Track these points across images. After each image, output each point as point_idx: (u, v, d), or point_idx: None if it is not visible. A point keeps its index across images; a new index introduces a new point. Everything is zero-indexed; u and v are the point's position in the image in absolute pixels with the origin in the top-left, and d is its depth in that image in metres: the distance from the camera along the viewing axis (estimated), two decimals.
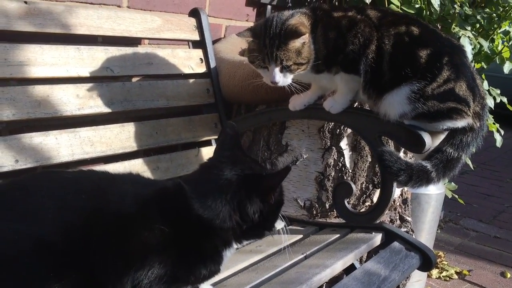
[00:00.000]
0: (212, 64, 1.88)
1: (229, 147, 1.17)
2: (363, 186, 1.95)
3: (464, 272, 2.72)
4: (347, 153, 1.89)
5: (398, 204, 2.06)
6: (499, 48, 2.33)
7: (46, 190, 0.99)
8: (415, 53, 1.40)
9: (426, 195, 2.41)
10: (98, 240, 0.96)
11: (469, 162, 2.14)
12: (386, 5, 2.21)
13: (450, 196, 2.65)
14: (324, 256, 1.42)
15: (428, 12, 2.19)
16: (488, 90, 2.29)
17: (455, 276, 2.69)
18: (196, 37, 1.86)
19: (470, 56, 2.08)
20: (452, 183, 2.58)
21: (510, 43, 2.30)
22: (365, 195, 1.96)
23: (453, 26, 2.19)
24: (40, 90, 1.37)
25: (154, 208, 1.03)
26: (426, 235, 2.54)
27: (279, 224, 1.21)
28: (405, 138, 1.48)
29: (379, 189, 1.76)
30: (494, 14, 2.25)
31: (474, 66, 2.30)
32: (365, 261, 1.80)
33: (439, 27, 2.25)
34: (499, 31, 2.30)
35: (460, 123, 1.43)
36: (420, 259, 1.53)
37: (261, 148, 1.94)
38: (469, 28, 2.23)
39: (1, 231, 0.92)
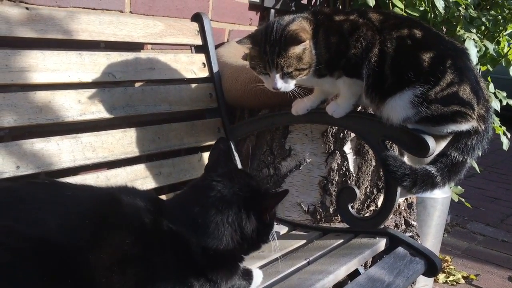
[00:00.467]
0: (215, 68, 1.87)
1: (223, 164, 1.16)
2: (367, 190, 1.93)
3: (471, 277, 2.69)
4: (350, 157, 1.87)
5: (403, 208, 2.04)
6: (505, 50, 2.31)
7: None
8: (418, 56, 1.39)
9: (432, 199, 2.39)
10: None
11: (476, 165, 2.11)
12: (390, 8, 2.20)
13: (456, 200, 2.63)
14: (328, 261, 1.41)
15: (432, 15, 2.17)
16: (494, 93, 2.27)
17: (462, 281, 2.66)
18: (198, 41, 1.86)
19: (475, 58, 2.06)
20: (459, 186, 2.56)
21: None
22: (369, 200, 1.95)
23: (458, 28, 2.17)
24: (42, 96, 1.37)
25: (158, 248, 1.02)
26: (432, 240, 2.52)
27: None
28: (408, 142, 1.47)
29: (383, 193, 1.74)
30: (500, 16, 2.23)
31: (479, 68, 2.29)
32: (370, 266, 1.78)
33: (444, 30, 2.23)
34: (504, 33, 2.28)
35: (464, 126, 1.41)
36: (425, 264, 1.51)
37: (264, 153, 1.93)
38: (474, 30, 2.21)
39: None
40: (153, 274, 0.99)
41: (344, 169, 1.87)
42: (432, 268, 1.51)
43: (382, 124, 1.48)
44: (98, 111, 1.49)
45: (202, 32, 1.86)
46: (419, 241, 2.02)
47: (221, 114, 1.86)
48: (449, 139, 1.46)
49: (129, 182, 1.53)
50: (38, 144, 1.34)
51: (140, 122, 1.66)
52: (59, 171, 1.38)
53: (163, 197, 1.62)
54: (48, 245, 0.92)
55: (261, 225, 1.13)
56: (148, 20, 1.72)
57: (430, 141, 1.43)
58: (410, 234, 2.02)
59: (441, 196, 2.41)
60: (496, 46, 2.25)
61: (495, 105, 2.14)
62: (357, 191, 1.61)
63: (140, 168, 1.58)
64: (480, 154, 1.47)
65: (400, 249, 1.53)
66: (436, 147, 1.44)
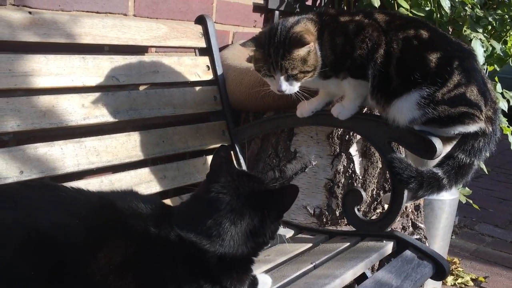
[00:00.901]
0: (219, 71, 1.86)
1: (225, 172, 1.15)
2: (374, 192, 1.92)
3: (480, 279, 2.66)
4: (357, 159, 1.86)
5: (410, 210, 2.02)
6: None
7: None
8: (424, 57, 1.37)
9: (439, 201, 2.36)
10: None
11: (483, 166, 2.09)
12: (396, 8, 2.18)
13: (464, 201, 2.60)
14: (334, 265, 1.39)
15: (438, 15, 2.15)
16: (502, 93, 2.24)
17: (471, 283, 2.63)
18: (202, 44, 1.85)
19: (482, 58, 2.04)
20: (466, 188, 2.53)
21: None
22: (376, 202, 1.93)
23: (464, 28, 2.15)
24: (45, 100, 1.37)
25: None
26: (440, 242, 2.50)
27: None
28: (415, 143, 1.45)
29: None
30: (506, 16, 2.21)
31: (487, 68, 2.27)
32: (377, 270, 1.77)
33: (450, 30, 2.21)
34: (511, 33, 2.25)
35: (472, 128, 1.39)
36: (433, 268, 1.49)
37: (270, 155, 1.92)
38: (480, 30, 2.19)
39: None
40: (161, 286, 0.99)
41: (350, 171, 1.86)
42: (440, 272, 1.49)
43: (388, 125, 1.46)
44: (102, 115, 1.48)
45: (206, 34, 1.86)
46: (427, 244, 2.00)
47: (226, 117, 1.85)
48: (456, 141, 1.44)
49: (133, 186, 1.52)
50: (42, 149, 1.33)
51: (144, 125, 1.65)
52: (63, 176, 1.37)
53: (168, 201, 1.61)
54: (43, 239, 0.93)
55: (275, 226, 1.16)
56: (152, 23, 1.71)
57: (437, 142, 1.41)
58: (418, 236, 2.00)
59: (448, 198, 2.38)
60: (503, 46, 2.23)
61: (503, 105, 2.12)
62: (363, 193, 1.60)
63: (145, 172, 1.57)
64: (487, 156, 1.45)
65: (408, 252, 1.51)
66: (442, 149, 1.42)
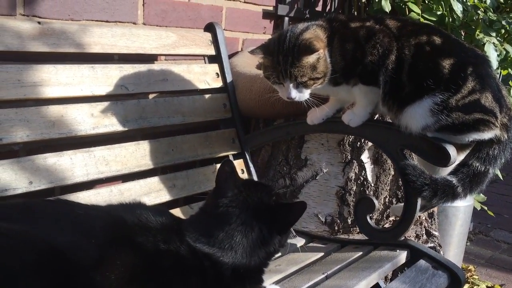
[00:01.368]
0: (229, 78, 1.85)
1: (233, 185, 1.16)
2: (387, 200, 1.89)
3: (496, 287, 2.61)
4: (368, 167, 1.83)
5: (424, 218, 1.99)
6: None
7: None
8: (437, 63, 1.35)
9: (453, 207, 2.33)
10: None
11: (498, 172, 2.05)
12: (407, 13, 2.16)
13: (479, 208, 2.56)
14: (346, 276, 1.37)
15: (450, 19, 2.13)
16: None
17: None
18: (212, 51, 1.84)
19: (495, 63, 2.01)
20: (481, 194, 2.49)
21: None
22: (388, 210, 1.90)
23: (477, 32, 2.12)
24: (55, 110, 1.36)
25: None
26: (454, 249, 2.46)
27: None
28: (428, 151, 1.42)
29: (403, 203, 1.69)
30: None
31: (500, 72, 2.23)
32: (390, 280, 1.73)
33: (463, 34, 2.18)
34: None
35: (487, 135, 1.36)
36: (448, 278, 1.46)
37: (280, 163, 1.90)
38: (494, 34, 2.16)
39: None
40: None
41: (362, 178, 1.83)
42: (455, 282, 1.46)
43: (400, 132, 1.44)
44: (111, 124, 1.48)
45: (215, 42, 1.85)
46: (441, 252, 1.96)
47: (236, 125, 1.84)
48: (470, 148, 1.41)
49: (142, 195, 1.51)
50: (51, 159, 1.33)
51: (154, 134, 1.64)
52: (72, 186, 1.37)
53: (178, 210, 1.60)
54: (57, 256, 0.92)
55: (281, 237, 1.17)
56: (161, 31, 1.71)
57: (451, 149, 1.38)
58: (432, 244, 1.96)
59: (463, 205, 2.35)
60: None
61: None
62: (375, 201, 1.57)
63: (154, 181, 1.56)
64: (502, 163, 1.41)
65: (422, 262, 1.48)
66: (457, 156, 1.39)
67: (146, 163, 1.54)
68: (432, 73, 1.35)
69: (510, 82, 2.32)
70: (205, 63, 1.85)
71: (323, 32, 1.43)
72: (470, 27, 2.18)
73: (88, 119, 1.43)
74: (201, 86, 1.77)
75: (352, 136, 1.78)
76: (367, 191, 1.83)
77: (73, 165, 1.37)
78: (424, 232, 1.99)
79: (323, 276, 1.37)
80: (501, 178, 2.41)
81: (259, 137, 1.85)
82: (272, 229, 1.13)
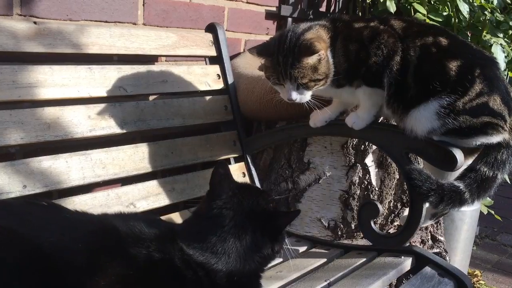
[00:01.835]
0: (230, 80, 1.82)
1: (227, 188, 1.14)
2: (391, 205, 1.85)
3: None
4: (373, 170, 1.79)
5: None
6: None
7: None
8: (444, 65, 1.31)
9: (460, 212, 2.28)
10: None
11: (506, 177, 2.00)
12: (412, 14, 2.12)
13: (486, 212, 2.51)
14: (349, 283, 1.33)
15: (456, 20, 2.09)
16: None
17: None
18: (213, 52, 1.81)
19: (503, 64, 1.97)
20: (488, 198, 2.44)
21: None
22: (393, 214, 1.86)
23: (484, 33, 2.09)
24: (50, 112, 1.33)
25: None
26: (460, 254, 2.41)
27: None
28: (434, 155, 1.38)
29: (408, 208, 1.65)
30: None
31: (507, 74, 2.19)
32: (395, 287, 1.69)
33: (469, 35, 2.14)
34: None
35: (495, 139, 1.32)
36: (454, 286, 1.42)
37: (282, 166, 1.86)
38: (501, 35, 2.13)
39: None
40: None
41: (366, 182, 1.79)
42: None
43: (405, 136, 1.40)
44: (109, 127, 1.44)
45: (216, 42, 1.81)
46: (447, 258, 1.92)
47: (237, 127, 1.80)
48: (477, 152, 1.36)
49: (141, 199, 1.48)
50: (46, 162, 1.30)
51: (152, 136, 1.61)
52: (68, 190, 1.34)
53: (177, 214, 1.56)
54: (43, 257, 0.91)
55: (275, 241, 1.15)
56: (161, 31, 1.68)
57: (458, 153, 1.34)
58: (438, 250, 1.92)
59: (469, 209, 2.30)
60: None
61: None
62: (379, 206, 1.53)
63: (153, 184, 1.52)
64: (511, 168, 1.37)
65: (428, 269, 1.44)
66: (464, 160, 1.35)
67: (145, 166, 1.51)
68: (438, 75, 1.31)
69: None
70: (206, 64, 1.82)
71: (326, 32, 1.39)
72: (477, 28, 2.14)
73: (85, 121, 1.39)
74: (202, 87, 1.74)
75: (356, 139, 1.74)
76: (371, 195, 1.79)
77: (69, 168, 1.33)
78: (429, 237, 1.95)
79: (325, 283, 1.34)
80: (509, 182, 2.36)
81: (260, 140, 1.81)
82: (265, 234, 1.11)
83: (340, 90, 1.43)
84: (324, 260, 1.52)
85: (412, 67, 1.33)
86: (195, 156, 1.66)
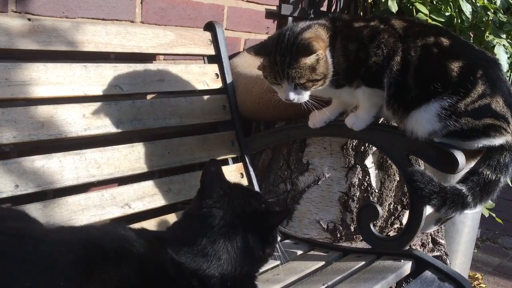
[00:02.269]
0: (229, 79, 1.79)
1: (217, 187, 1.11)
2: (391, 207, 1.82)
3: None
4: (372, 172, 1.76)
5: None
6: None
7: None
8: (445, 66, 1.28)
9: (461, 214, 2.25)
10: None
11: (509, 181, 1.98)
12: (414, 14, 2.09)
13: (487, 215, 2.48)
14: (348, 287, 1.30)
15: (459, 20, 2.06)
16: None
17: None
18: (211, 51, 1.78)
19: (506, 65, 1.94)
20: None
21: None
22: (393, 217, 1.83)
23: (487, 34, 2.06)
24: (44, 110, 1.31)
25: None
26: (461, 257, 2.38)
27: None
28: (435, 157, 1.35)
29: (408, 210, 1.63)
30: None
31: (510, 75, 2.16)
32: None
33: (471, 36, 2.11)
34: None
35: (498, 141, 1.30)
36: None
37: (281, 167, 1.84)
38: (504, 35, 2.10)
39: None
40: None
41: (366, 184, 1.76)
42: None
43: (406, 137, 1.37)
44: (104, 126, 1.42)
45: (215, 41, 1.79)
46: (448, 261, 1.89)
47: (235, 127, 1.78)
48: (480, 155, 1.34)
49: (136, 200, 1.45)
50: (39, 161, 1.27)
51: (149, 136, 1.59)
52: (61, 189, 1.31)
53: (173, 215, 1.54)
54: None
55: (266, 243, 1.11)
56: (158, 30, 1.65)
57: (459, 156, 1.31)
58: (438, 253, 1.89)
59: (471, 211, 2.26)
60: None
61: None
62: (379, 209, 1.50)
63: (148, 185, 1.50)
64: None
65: (428, 273, 1.42)
66: (465, 162, 1.32)
67: (140, 166, 1.49)
68: (440, 76, 1.28)
69: None
70: (204, 63, 1.79)
71: (325, 31, 1.36)
72: (480, 29, 2.12)
73: (80, 120, 1.37)
74: (200, 87, 1.72)
75: (356, 140, 1.72)
76: (371, 197, 1.77)
77: (63, 168, 1.31)
78: (430, 240, 1.92)
79: (323, 287, 1.31)
80: (510, 184, 2.33)
81: (259, 140, 1.79)
82: (256, 234, 1.07)
83: (340, 91, 1.41)
84: (322, 263, 1.49)
85: (412, 67, 1.31)
86: (192, 156, 1.63)
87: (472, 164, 1.34)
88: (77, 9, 1.61)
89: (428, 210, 1.43)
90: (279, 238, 1.63)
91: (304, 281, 1.37)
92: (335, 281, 1.34)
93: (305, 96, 1.35)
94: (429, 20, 2.04)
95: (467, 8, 2.03)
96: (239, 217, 1.06)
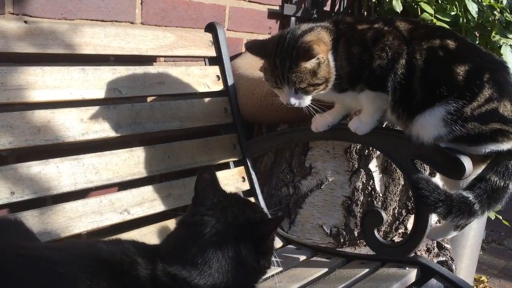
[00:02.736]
0: (230, 81, 1.76)
1: (211, 194, 1.08)
2: (396, 211, 1.78)
3: None
4: (377, 176, 1.73)
5: None
6: None
7: None
8: (451, 69, 1.25)
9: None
10: None
11: None
12: (419, 13, 2.06)
13: (493, 218, 2.44)
14: None
15: (465, 20, 2.02)
16: None
17: None
18: (212, 53, 1.75)
19: None
20: None
21: None
22: (398, 222, 1.80)
23: (493, 34, 2.02)
24: (41, 115, 1.28)
25: None
26: (467, 261, 2.35)
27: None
28: (441, 162, 1.32)
29: (413, 215, 1.59)
30: None
31: None
32: None
33: (477, 36, 2.08)
34: None
35: (506, 146, 1.26)
36: None
37: (283, 171, 1.81)
38: (511, 35, 2.06)
39: None
40: None
41: (370, 188, 1.73)
42: None
43: (411, 142, 1.34)
44: (102, 130, 1.39)
45: (216, 42, 1.76)
46: (454, 266, 1.86)
47: (237, 130, 1.75)
48: (487, 161, 1.30)
49: (135, 205, 1.42)
50: (35, 167, 1.25)
51: (149, 140, 1.56)
52: (58, 196, 1.29)
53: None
54: None
55: (260, 253, 1.07)
56: (158, 31, 1.62)
57: (466, 161, 1.28)
58: (444, 258, 1.86)
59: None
60: None
61: None
62: (383, 214, 1.47)
63: (148, 190, 1.47)
64: None
65: (433, 282, 1.38)
66: (472, 168, 1.29)
67: (140, 171, 1.46)
68: (445, 79, 1.25)
69: None
70: (206, 65, 1.76)
71: (328, 34, 1.33)
72: (486, 29, 2.08)
73: (77, 125, 1.34)
74: (201, 89, 1.69)
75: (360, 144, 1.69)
76: (375, 202, 1.73)
77: (60, 174, 1.28)
78: (435, 244, 1.89)
79: None
80: None
81: (261, 144, 1.76)
82: (250, 244, 1.03)
83: (343, 95, 1.38)
84: (326, 270, 1.46)
85: (418, 71, 1.27)
86: (193, 160, 1.60)
87: (480, 170, 1.31)
88: (75, 11, 1.58)
89: (435, 220, 1.39)
90: (280, 245, 1.61)
91: None
92: None
93: (306, 101, 1.32)
94: (434, 20, 2.01)
95: (473, 8, 2.00)
96: (231, 225, 1.03)
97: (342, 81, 1.33)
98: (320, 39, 1.29)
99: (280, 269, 1.44)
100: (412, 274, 1.39)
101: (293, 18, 2.29)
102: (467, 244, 2.34)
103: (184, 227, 1.07)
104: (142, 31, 1.57)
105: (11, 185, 1.19)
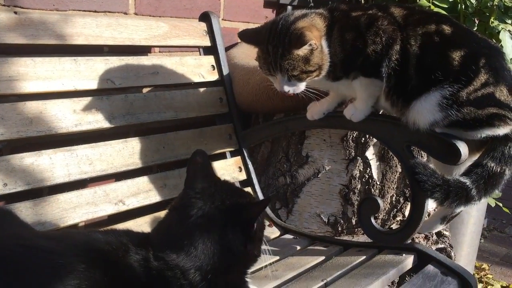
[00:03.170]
0: (225, 71, 1.75)
1: (202, 178, 1.08)
2: (393, 199, 1.78)
3: (511, 287, 2.49)
4: (374, 164, 1.72)
5: None
6: None
7: None
8: (447, 54, 1.24)
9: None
10: None
11: None
12: (417, 0, 2.03)
13: (493, 205, 2.43)
14: (347, 283, 1.27)
15: (463, 6, 2.00)
16: None
17: None
18: (207, 42, 1.74)
19: (511, 52, 1.88)
20: None
21: None
22: (395, 209, 1.79)
23: (492, 19, 2.00)
24: (32, 106, 1.27)
25: None
26: (467, 249, 2.34)
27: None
28: (437, 148, 1.31)
29: (410, 204, 1.59)
30: None
31: None
32: (397, 286, 1.63)
33: (476, 22, 2.06)
34: None
35: (502, 131, 1.25)
36: (458, 284, 1.36)
37: (280, 160, 1.80)
38: (509, 21, 2.04)
39: None
40: None
41: (367, 176, 1.72)
42: None
43: (406, 128, 1.33)
44: (96, 121, 1.38)
45: (210, 32, 1.74)
46: (452, 253, 1.85)
47: (233, 120, 1.74)
48: (484, 147, 1.29)
49: (130, 196, 1.42)
50: (28, 159, 1.24)
51: (143, 131, 1.55)
52: (51, 187, 1.28)
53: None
54: None
55: (248, 238, 1.06)
56: (151, 21, 1.61)
57: (462, 146, 1.27)
58: (442, 245, 1.85)
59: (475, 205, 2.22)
60: None
61: None
62: (380, 202, 1.46)
63: (143, 180, 1.46)
64: None
65: (430, 267, 1.38)
66: (468, 153, 1.28)
67: (134, 161, 1.45)
68: (441, 64, 1.24)
69: None
70: (200, 55, 1.75)
71: (322, 20, 1.31)
72: (484, 14, 2.06)
73: (70, 116, 1.33)
74: (196, 79, 1.68)
75: (356, 132, 1.68)
76: (373, 190, 1.73)
77: (53, 165, 1.28)
78: (433, 232, 1.88)
79: (322, 283, 1.28)
80: None
81: (257, 133, 1.75)
82: (237, 228, 1.02)
83: (337, 83, 1.37)
84: (322, 258, 1.46)
85: (413, 56, 1.26)
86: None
87: (477, 156, 1.30)
88: (67, 2, 1.57)
89: (431, 207, 1.38)
90: (278, 234, 1.60)
91: (303, 277, 1.34)
92: (335, 277, 1.31)
93: (300, 87, 1.31)
94: (432, 7, 1.98)
95: None
96: (218, 208, 1.02)
97: (336, 69, 1.31)
98: (313, 25, 1.28)
99: (277, 258, 1.44)
100: (408, 261, 1.39)
101: (289, 7, 2.27)
102: (467, 232, 2.33)
103: (174, 211, 1.07)
104: (135, 21, 1.56)
105: (3, 176, 1.19)
